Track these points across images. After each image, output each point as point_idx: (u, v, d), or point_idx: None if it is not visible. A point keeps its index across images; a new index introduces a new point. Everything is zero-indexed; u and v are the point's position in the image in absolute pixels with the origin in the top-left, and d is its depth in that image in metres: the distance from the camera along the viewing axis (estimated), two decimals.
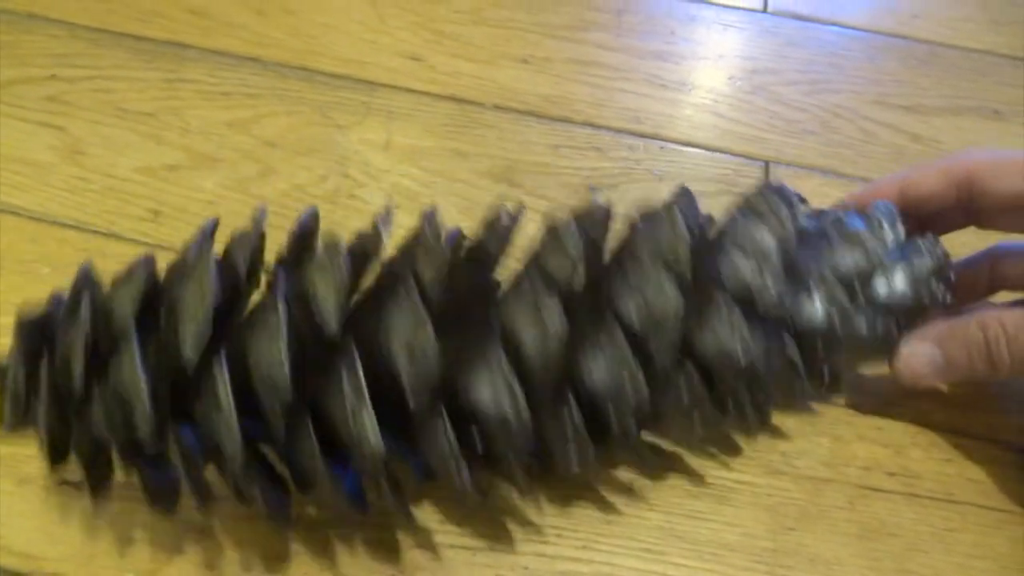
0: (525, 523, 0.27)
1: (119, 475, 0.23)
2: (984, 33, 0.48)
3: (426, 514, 0.27)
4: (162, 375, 0.21)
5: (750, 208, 0.27)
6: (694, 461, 0.29)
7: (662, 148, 0.40)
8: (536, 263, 0.24)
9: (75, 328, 0.21)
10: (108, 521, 0.26)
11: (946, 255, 0.28)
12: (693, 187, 0.38)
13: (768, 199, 0.27)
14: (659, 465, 0.26)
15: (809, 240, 0.27)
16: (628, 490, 0.28)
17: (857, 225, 0.28)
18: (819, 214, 0.28)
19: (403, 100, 0.41)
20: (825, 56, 0.46)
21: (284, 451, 0.23)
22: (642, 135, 0.41)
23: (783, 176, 0.39)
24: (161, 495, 0.23)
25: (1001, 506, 0.28)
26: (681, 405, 0.24)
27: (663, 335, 0.24)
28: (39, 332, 0.22)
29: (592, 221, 0.26)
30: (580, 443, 0.23)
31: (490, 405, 0.22)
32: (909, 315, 0.27)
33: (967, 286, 0.30)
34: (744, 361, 0.24)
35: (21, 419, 0.22)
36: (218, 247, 0.24)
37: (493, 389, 0.22)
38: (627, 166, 0.39)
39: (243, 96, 0.41)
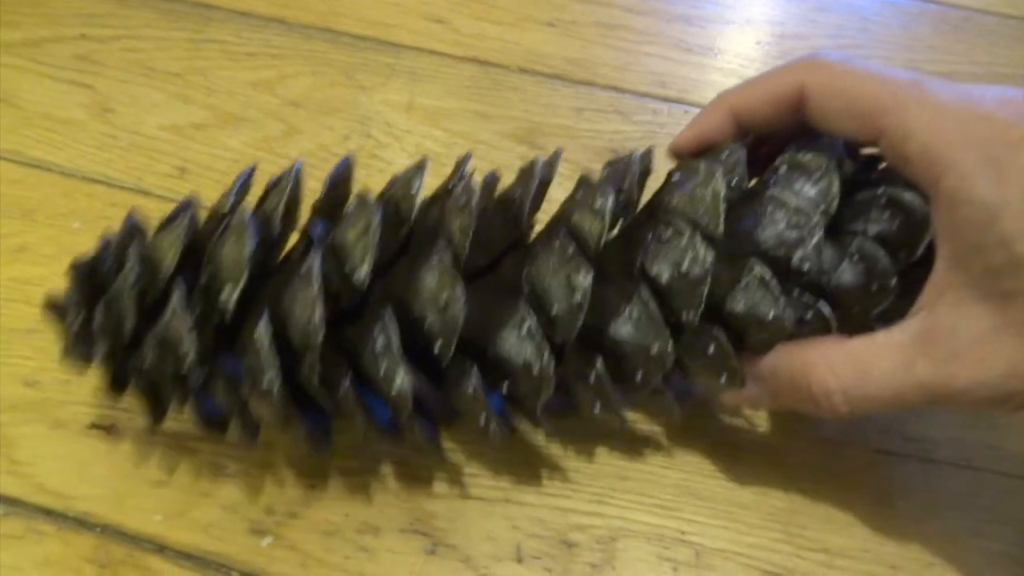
0: (541, 477, 0.27)
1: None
2: None
3: (442, 463, 0.27)
4: (205, 320, 0.23)
5: (796, 163, 0.25)
6: (711, 420, 0.29)
7: (687, 112, 0.40)
8: (566, 217, 0.25)
9: (125, 278, 0.23)
10: (138, 464, 0.27)
11: None
12: None
13: (816, 153, 0.25)
14: (680, 414, 0.26)
15: (855, 198, 0.25)
16: (644, 447, 0.28)
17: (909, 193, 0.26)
18: (868, 164, 0.27)
19: (427, 62, 0.41)
20: (855, 21, 0.45)
21: (321, 388, 0.24)
22: (667, 99, 0.40)
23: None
24: (212, 422, 0.25)
25: (1018, 472, 0.28)
26: (707, 362, 0.24)
27: (691, 295, 0.23)
28: (92, 276, 0.24)
29: (626, 175, 0.26)
30: (604, 393, 0.24)
31: (516, 358, 0.23)
32: None
33: (714, 138, 0.26)
34: (775, 325, 0.23)
35: (81, 358, 0.24)
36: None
37: (519, 344, 0.23)
38: (650, 130, 0.39)
39: (268, 56, 0.41)
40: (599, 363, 0.24)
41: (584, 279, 0.23)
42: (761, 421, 0.29)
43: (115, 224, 0.33)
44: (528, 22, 0.44)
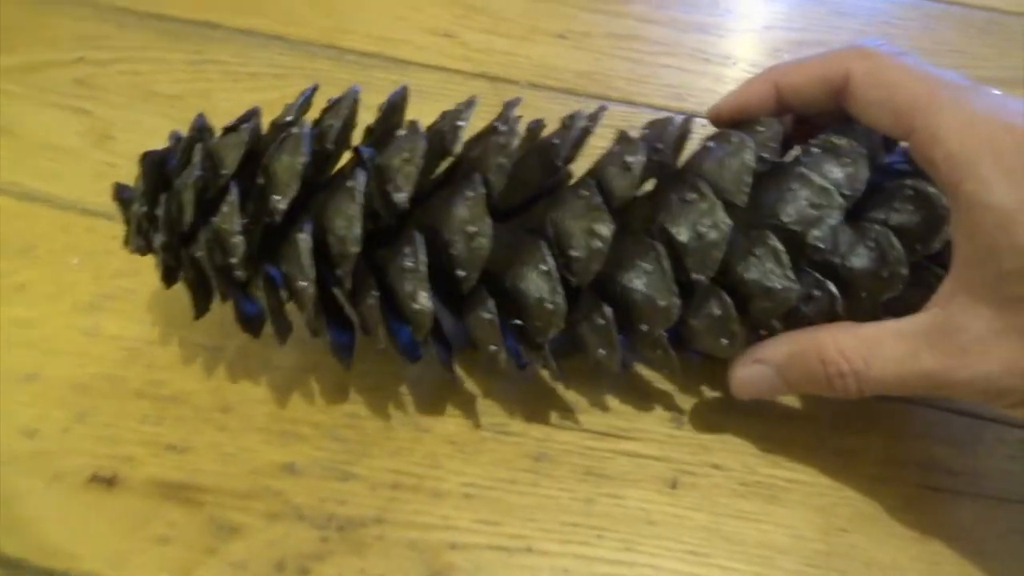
0: (565, 523, 0.26)
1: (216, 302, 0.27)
2: None
3: (461, 512, 0.26)
4: (256, 221, 0.25)
5: (830, 145, 0.26)
6: (741, 458, 0.27)
7: (705, 126, 0.38)
8: (600, 168, 0.26)
9: (188, 174, 0.25)
10: (140, 518, 0.25)
11: None
12: None
13: (851, 138, 0.26)
14: (680, 373, 0.27)
15: (883, 187, 0.26)
16: (672, 489, 0.27)
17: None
18: (904, 155, 0.27)
19: (434, 78, 0.40)
20: (877, 26, 0.43)
21: (351, 299, 0.26)
22: (684, 112, 0.39)
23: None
24: (250, 322, 0.27)
25: None
26: (711, 323, 0.25)
27: (706, 258, 0.24)
28: (160, 169, 0.26)
29: (662, 135, 0.27)
30: (609, 337, 0.25)
31: (532, 293, 0.25)
32: None
33: (755, 109, 0.27)
34: (781, 296, 0.24)
35: (142, 244, 0.26)
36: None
37: (537, 280, 0.25)
38: None
39: (271, 76, 0.40)
40: (608, 310, 0.25)
41: (605, 229, 0.24)
42: (793, 458, 0.28)
43: (115, 257, 0.32)
44: (538, 34, 0.42)
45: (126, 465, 0.26)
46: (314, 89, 0.28)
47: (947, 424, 0.28)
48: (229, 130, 0.27)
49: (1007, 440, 0.28)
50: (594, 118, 0.27)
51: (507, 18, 0.43)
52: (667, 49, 0.42)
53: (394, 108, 0.27)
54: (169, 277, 0.27)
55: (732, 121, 0.27)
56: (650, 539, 0.26)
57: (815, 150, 0.26)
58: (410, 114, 0.39)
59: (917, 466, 0.28)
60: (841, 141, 0.26)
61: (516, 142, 0.25)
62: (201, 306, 0.27)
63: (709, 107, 0.28)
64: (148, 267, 0.31)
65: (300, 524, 0.25)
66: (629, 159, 0.25)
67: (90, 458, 0.26)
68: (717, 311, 0.25)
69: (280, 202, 0.24)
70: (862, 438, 0.28)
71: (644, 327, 0.25)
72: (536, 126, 0.27)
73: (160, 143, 0.36)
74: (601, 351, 0.25)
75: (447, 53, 0.41)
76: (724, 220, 0.24)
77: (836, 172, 0.25)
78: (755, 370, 0.25)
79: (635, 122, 0.38)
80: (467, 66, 0.41)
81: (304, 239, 0.24)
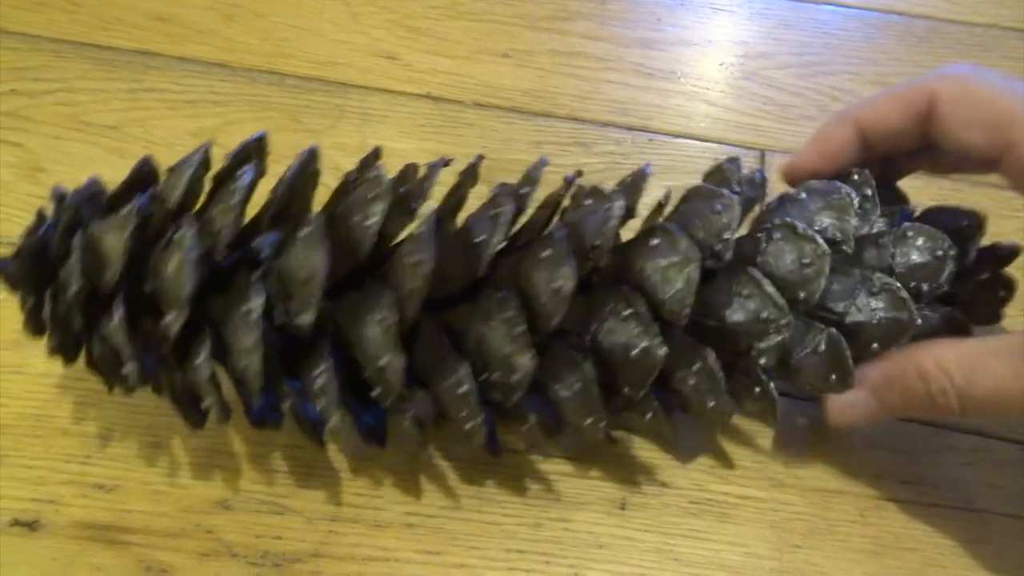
0: (511, 549, 0.25)
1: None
2: (986, 5, 0.45)
3: (402, 542, 0.25)
4: (149, 336, 0.23)
5: (815, 190, 0.25)
6: (691, 475, 0.27)
7: (651, 140, 0.38)
8: (569, 222, 0.25)
9: (69, 271, 0.22)
10: (65, 563, 0.24)
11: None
12: (685, 180, 0.37)
13: (838, 184, 0.25)
14: (671, 436, 0.26)
15: (885, 234, 0.25)
16: (621, 510, 0.26)
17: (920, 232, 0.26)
18: (895, 212, 0.26)
19: (378, 101, 0.40)
20: (820, 37, 0.44)
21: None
22: (629, 128, 0.39)
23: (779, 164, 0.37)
24: (190, 414, 0.24)
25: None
26: (700, 381, 0.24)
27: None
28: (40, 258, 0.23)
29: (632, 189, 0.26)
30: (590, 403, 0.23)
31: (500, 352, 0.23)
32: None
33: (833, 154, 0.26)
34: (773, 348, 0.24)
35: (36, 331, 0.24)
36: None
37: (500, 338, 0.23)
38: (613, 161, 0.37)
39: (210, 104, 0.39)
40: (588, 372, 0.23)
41: (571, 279, 0.22)
42: (744, 474, 0.27)
43: None
44: (482, 54, 0.42)
45: (50, 507, 0.25)
46: (205, 151, 0.25)
47: (897, 432, 0.28)
48: (112, 203, 0.24)
49: (959, 447, 0.28)
50: (523, 195, 0.25)
51: (450, 39, 0.43)
52: (610, 65, 0.42)
53: (295, 186, 0.25)
54: (68, 360, 0.24)
55: (812, 174, 0.26)
56: (599, 563, 0.25)
57: (803, 195, 0.25)
58: (355, 135, 0.38)
59: (869, 477, 0.27)
60: (827, 185, 0.25)
61: (431, 256, 0.23)
62: (112, 383, 0.24)
63: (782, 166, 0.27)
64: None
65: (233, 562, 0.24)
66: (606, 214, 0.23)
67: (11, 502, 0.25)
68: (703, 365, 0.24)
69: (171, 325, 0.22)
70: (813, 450, 0.28)
71: (624, 384, 0.24)
72: (441, 213, 0.26)
73: (94, 173, 0.36)
74: (587, 416, 0.23)
75: (391, 75, 0.41)
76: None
77: (825, 224, 0.24)
78: (849, 395, 0.24)
79: (581, 139, 0.38)
80: (411, 87, 0.40)
81: (203, 362, 0.22)
